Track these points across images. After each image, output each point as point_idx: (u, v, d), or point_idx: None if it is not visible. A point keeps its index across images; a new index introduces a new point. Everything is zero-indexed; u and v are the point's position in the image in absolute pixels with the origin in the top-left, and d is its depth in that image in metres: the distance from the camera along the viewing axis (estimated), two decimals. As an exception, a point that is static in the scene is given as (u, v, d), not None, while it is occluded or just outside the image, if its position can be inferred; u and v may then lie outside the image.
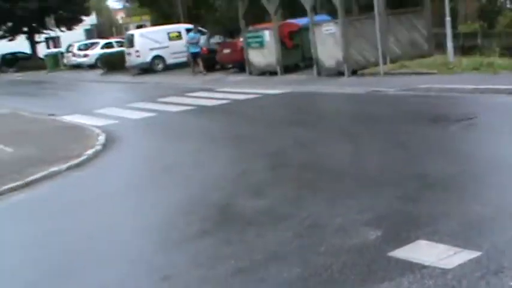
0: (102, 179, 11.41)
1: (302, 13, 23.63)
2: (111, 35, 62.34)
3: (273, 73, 24.68)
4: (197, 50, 29.38)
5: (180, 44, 33.75)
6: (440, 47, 21.06)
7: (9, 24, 54.99)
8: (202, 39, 30.50)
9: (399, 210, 7.28)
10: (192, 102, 19.59)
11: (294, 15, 26.51)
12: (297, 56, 25.24)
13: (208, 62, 29.33)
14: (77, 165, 12.20)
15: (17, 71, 53.97)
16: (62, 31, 53.33)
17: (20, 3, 51.28)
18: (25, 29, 56.14)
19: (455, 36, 20.85)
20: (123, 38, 42.45)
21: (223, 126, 15.11)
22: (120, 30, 67.69)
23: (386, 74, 19.91)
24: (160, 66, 34.51)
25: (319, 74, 22.35)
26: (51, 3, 51.92)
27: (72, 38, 54.64)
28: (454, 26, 21.26)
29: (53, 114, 20.52)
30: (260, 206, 8.14)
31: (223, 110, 17.67)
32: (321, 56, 22.30)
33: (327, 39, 21.94)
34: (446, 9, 19.86)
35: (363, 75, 20.80)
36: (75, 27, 57.03)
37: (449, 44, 19.97)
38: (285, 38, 24.99)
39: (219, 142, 13.03)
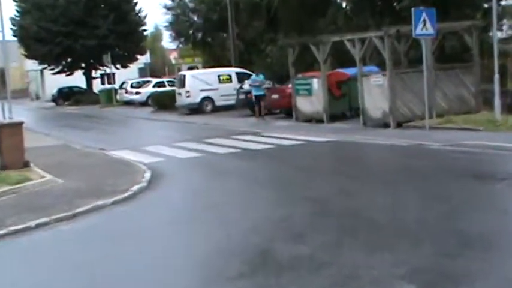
0: (145, 215, 11.35)
1: (351, 63, 23.33)
2: (163, 74, 62.82)
3: (319, 121, 24.39)
4: (261, 92, 28.31)
5: (230, 87, 33.68)
6: (488, 103, 20.72)
7: (69, 59, 56.18)
8: (266, 82, 29.70)
9: (436, 265, 7.11)
10: (238, 145, 19.42)
11: (343, 65, 26.30)
12: (343, 105, 25.00)
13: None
14: (123, 200, 12.23)
15: (70, 105, 54.90)
16: (117, 68, 54.00)
17: (81, 40, 52.56)
18: (83, 64, 57.33)
19: (503, 93, 20.40)
20: (174, 78, 42.47)
21: (267, 171, 14.98)
22: (172, 70, 68.29)
23: (431, 128, 19.57)
24: (209, 107, 34.39)
25: (364, 124, 22.10)
26: (110, 41, 52.94)
27: (126, 75, 55.39)
28: (502, 84, 20.86)
29: (103, 149, 20.51)
30: (299, 252, 8.01)
31: (269, 154, 17.48)
32: (368, 106, 22.08)
33: (374, 90, 21.75)
34: (495, 67, 19.58)
35: (408, 127, 20.55)
36: (130, 65, 57.70)
37: (497, 101, 19.61)
38: (332, 87, 24.81)
39: (262, 185, 12.95)
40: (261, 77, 29.03)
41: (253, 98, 28.38)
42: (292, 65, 26.17)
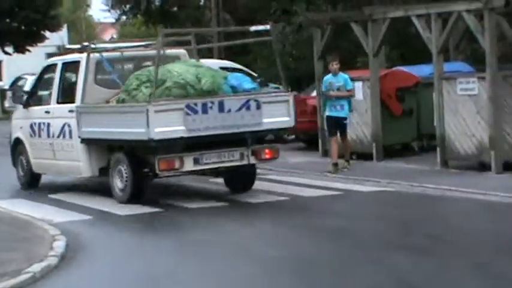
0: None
1: (422, 57, 20.06)
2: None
3: (365, 156, 19.99)
4: (343, 114, 19.14)
5: None
6: None
7: None
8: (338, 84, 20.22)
9: None
10: (221, 196, 16.53)
11: (408, 61, 22.56)
12: (408, 131, 20.53)
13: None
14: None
15: None
16: (6, 53, 44.40)
17: None
18: None
19: None
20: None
21: (273, 242, 12.90)
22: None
23: None
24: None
25: (445, 164, 18.26)
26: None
27: (23, 66, 44.77)
28: None
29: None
30: None
31: (275, 213, 15.07)
32: (451, 133, 18.46)
33: (464, 106, 18.10)
34: None
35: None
36: (31, 49, 45.73)
37: None
38: (389, 97, 20.38)
39: (264, 268, 11.00)
40: (344, 77, 19.42)
41: (326, 122, 19.76)
42: (319, 57, 21.54)
